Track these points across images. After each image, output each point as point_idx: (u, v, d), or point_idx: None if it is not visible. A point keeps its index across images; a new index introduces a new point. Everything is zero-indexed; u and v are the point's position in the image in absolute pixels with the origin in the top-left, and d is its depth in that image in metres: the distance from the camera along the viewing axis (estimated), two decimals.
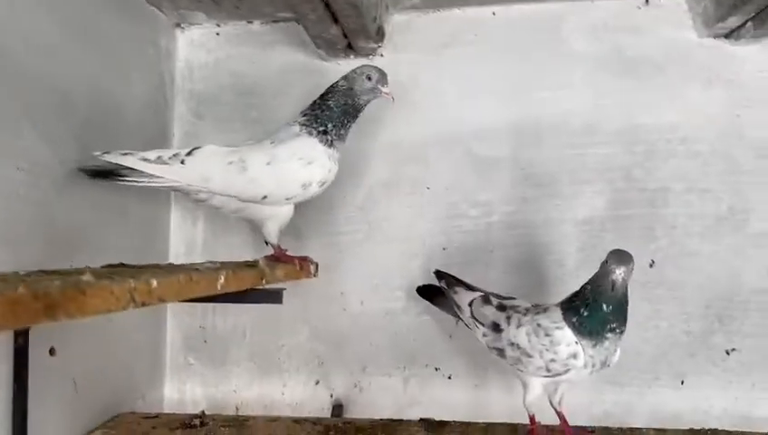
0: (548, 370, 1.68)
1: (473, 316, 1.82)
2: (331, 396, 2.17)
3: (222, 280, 1.30)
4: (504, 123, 2.12)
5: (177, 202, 2.24)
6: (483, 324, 1.80)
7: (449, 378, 2.13)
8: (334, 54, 2.15)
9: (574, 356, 1.65)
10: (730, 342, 2.02)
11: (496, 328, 1.77)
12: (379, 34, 2.11)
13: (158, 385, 2.20)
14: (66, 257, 1.70)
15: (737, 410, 2.01)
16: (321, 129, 1.80)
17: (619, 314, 1.67)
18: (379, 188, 2.17)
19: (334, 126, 1.81)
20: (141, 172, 1.70)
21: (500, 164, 2.12)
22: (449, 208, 2.15)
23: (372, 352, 2.16)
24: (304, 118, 1.82)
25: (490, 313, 1.80)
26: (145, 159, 1.71)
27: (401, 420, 1.92)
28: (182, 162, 1.73)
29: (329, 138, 1.80)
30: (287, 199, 1.79)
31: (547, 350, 1.67)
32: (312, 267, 1.87)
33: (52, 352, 1.67)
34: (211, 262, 1.63)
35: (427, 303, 2.04)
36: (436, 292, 1.96)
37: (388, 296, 2.16)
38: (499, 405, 2.08)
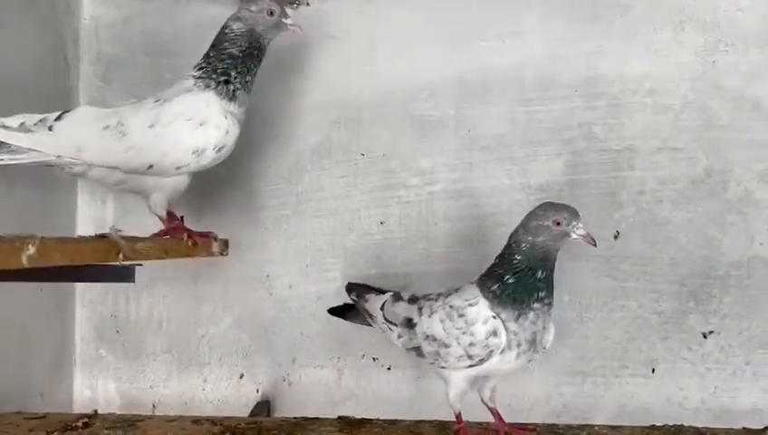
0: (469, 357, 1.43)
1: (385, 320, 1.59)
2: (257, 391, 1.94)
3: (31, 251, 1.04)
4: (447, 79, 1.87)
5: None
6: (395, 324, 1.56)
7: (389, 369, 1.88)
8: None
9: (494, 333, 1.41)
10: (707, 323, 1.76)
11: (409, 324, 1.55)
12: None
13: (64, 381, 1.96)
14: None
15: (716, 401, 1.75)
16: (222, 78, 1.56)
17: (550, 282, 1.45)
18: (307, 156, 1.92)
19: (239, 73, 1.57)
20: (4, 147, 1.44)
21: (443, 126, 1.87)
22: (387, 177, 1.89)
23: (303, 341, 1.91)
24: (199, 71, 1.57)
25: (401, 309, 1.58)
26: (4, 127, 1.45)
27: (316, 419, 1.69)
28: (50, 129, 1.47)
29: (231, 87, 1.55)
30: (177, 169, 1.52)
31: (464, 333, 1.43)
32: (216, 245, 1.62)
33: None
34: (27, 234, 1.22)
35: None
36: (352, 306, 1.72)
37: (320, 278, 1.91)
38: (444, 398, 1.86)
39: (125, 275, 1.38)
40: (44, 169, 1.55)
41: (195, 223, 1.78)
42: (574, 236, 1.44)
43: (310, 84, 1.92)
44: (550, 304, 1.45)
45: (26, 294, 1.79)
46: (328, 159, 1.92)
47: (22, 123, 1.46)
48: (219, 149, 1.54)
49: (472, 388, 1.53)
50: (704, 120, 1.78)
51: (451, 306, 1.47)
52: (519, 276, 1.44)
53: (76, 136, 1.48)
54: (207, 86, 1.56)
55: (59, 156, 1.48)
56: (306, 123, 1.92)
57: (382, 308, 1.63)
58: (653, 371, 1.78)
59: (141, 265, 1.44)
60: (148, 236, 1.54)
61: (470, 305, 1.45)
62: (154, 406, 1.96)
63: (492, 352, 1.42)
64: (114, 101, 1.97)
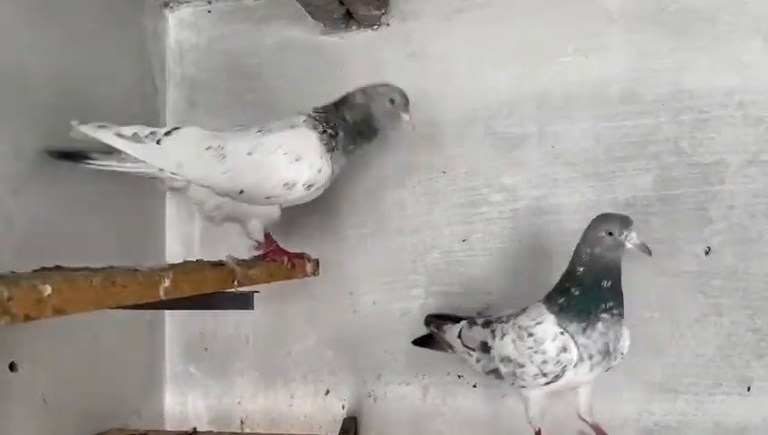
0: (544, 375, 1.46)
1: (464, 346, 1.61)
2: (343, 407, 1.96)
3: (167, 284, 1.09)
4: (528, 95, 1.86)
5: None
6: (473, 349, 1.59)
7: (474, 387, 1.87)
8: (334, 27, 1.92)
9: (564, 349, 1.43)
10: None
11: (485, 347, 1.57)
12: (382, 0, 1.88)
13: (156, 398, 2.01)
14: (36, 259, 1.48)
15: None
16: (328, 130, 1.60)
17: (617, 292, 1.46)
18: (389, 174, 1.92)
19: (345, 137, 1.62)
20: (112, 154, 1.53)
21: (525, 142, 1.86)
22: (469, 194, 1.89)
23: (387, 357, 1.92)
24: (315, 113, 1.63)
25: (477, 334, 1.63)
26: (120, 135, 1.53)
27: None
28: (158, 142, 1.54)
29: (334, 143, 1.59)
30: (267, 199, 1.57)
31: (535, 352, 1.46)
32: (310, 265, 1.66)
33: (12, 367, 1.49)
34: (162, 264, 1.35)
35: (448, 301, 1.82)
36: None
37: (403, 295, 1.91)
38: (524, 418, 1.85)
39: (245, 302, 1.42)
40: (142, 183, 1.62)
41: (281, 243, 1.83)
42: (629, 245, 1.46)
43: None
44: (620, 314, 1.45)
45: (118, 315, 1.85)
46: (409, 177, 1.92)
47: (134, 133, 1.53)
48: (309, 187, 1.58)
49: (549, 403, 1.54)
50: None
51: (520, 326, 1.50)
52: (584, 288, 1.48)
53: (180, 152, 1.55)
54: (314, 128, 1.60)
55: (161, 169, 1.54)
56: (387, 141, 1.91)
57: (459, 336, 1.66)
58: (748, 389, 1.73)
59: (258, 291, 1.49)
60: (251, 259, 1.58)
61: (537, 324, 1.48)
62: (242, 422, 1.99)
63: (565, 367, 1.43)
64: (200, 124, 2.02)
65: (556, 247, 1.84)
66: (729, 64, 1.76)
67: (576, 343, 1.45)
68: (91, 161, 1.54)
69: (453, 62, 1.92)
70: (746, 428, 1.72)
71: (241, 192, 1.55)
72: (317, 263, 1.67)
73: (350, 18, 1.89)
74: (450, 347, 1.70)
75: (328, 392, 1.96)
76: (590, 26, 1.83)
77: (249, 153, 1.55)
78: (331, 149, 1.58)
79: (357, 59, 1.96)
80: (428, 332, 1.78)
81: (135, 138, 1.52)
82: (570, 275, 1.51)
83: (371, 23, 1.91)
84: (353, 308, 1.95)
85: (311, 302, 1.96)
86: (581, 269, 1.48)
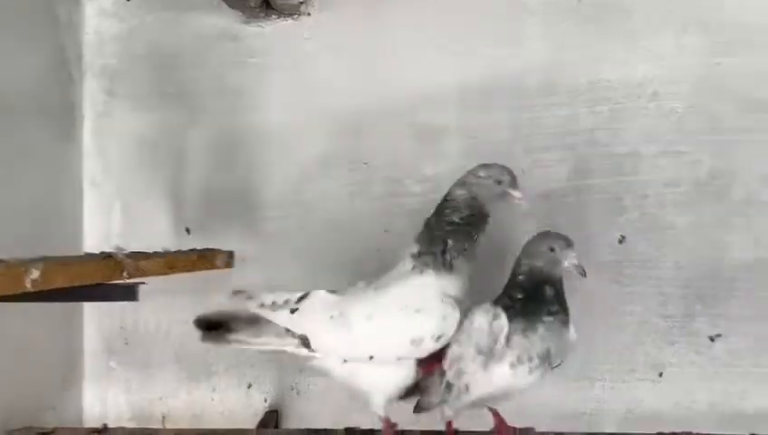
0: (479, 351, 1.44)
1: None
2: (266, 401, 1.94)
3: (34, 275, 1.05)
4: (448, 86, 1.86)
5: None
6: None
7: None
8: (253, 16, 1.90)
9: (496, 317, 1.42)
10: (714, 326, 1.74)
11: None
12: None
13: (74, 394, 1.97)
14: None
15: (726, 404, 1.74)
16: (439, 249, 1.50)
17: (561, 298, 1.46)
18: (311, 165, 1.91)
19: (456, 241, 1.50)
20: (253, 329, 1.51)
21: (446, 133, 1.87)
22: (391, 185, 1.89)
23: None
24: (417, 246, 1.53)
25: None
26: (263, 305, 1.53)
27: (323, 430, 1.68)
28: (291, 312, 1.53)
29: (448, 257, 1.49)
30: (398, 359, 1.50)
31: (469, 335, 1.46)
32: (221, 258, 1.67)
33: None
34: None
35: None
36: None
37: (327, 286, 1.81)
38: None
39: (129, 293, 1.37)
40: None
41: (200, 235, 1.81)
42: (566, 263, 1.47)
43: (312, 94, 1.91)
44: (563, 320, 1.45)
45: (33, 308, 1.80)
46: (332, 168, 1.91)
47: (273, 302, 1.53)
48: (438, 338, 1.48)
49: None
50: (707, 122, 1.77)
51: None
52: (527, 293, 1.48)
53: (309, 322, 1.51)
54: (426, 264, 1.51)
55: (298, 341, 1.51)
56: (310, 133, 1.91)
57: None
58: (660, 375, 1.77)
59: (145, 283, 1.44)
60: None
61: (476, 308, 1.49)
62: (164, 417, 1.97)
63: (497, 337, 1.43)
64: (119, 114, 2.00)
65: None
66: (643, 56, 1.79)
67: (513, 340, 1.43)
68: (233, 333, 1.52)
69: (374, 53, 1.91)
70: (659, 413, 1.75)
71: (371, 358, 1.49)
72: (231, 254, 1.66)
73: (268, 7, 1.87)
74: None
75: (250, 386, 1.95)
76: (509, 18, 1.85)
77: (369, 317, 1.50)
78: (450, 267, 1.48)
79: (278, 49, 1.95)
80: None
81: (275, 305, 1.52)
82: (511, 283, 1.51)
83: (291, 12, 1.89)
84: None
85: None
86: (521, 278, 1.49)
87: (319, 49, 1.92)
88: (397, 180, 1.89)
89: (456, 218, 1.52)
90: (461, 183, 1.54)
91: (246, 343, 1.55)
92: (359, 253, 1.88)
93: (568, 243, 1.47)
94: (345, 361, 1.53)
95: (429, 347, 1.49)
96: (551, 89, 1.82)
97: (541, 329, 1.43)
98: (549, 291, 1.45)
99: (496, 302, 1.48)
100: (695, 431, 1.61)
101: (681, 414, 1.74)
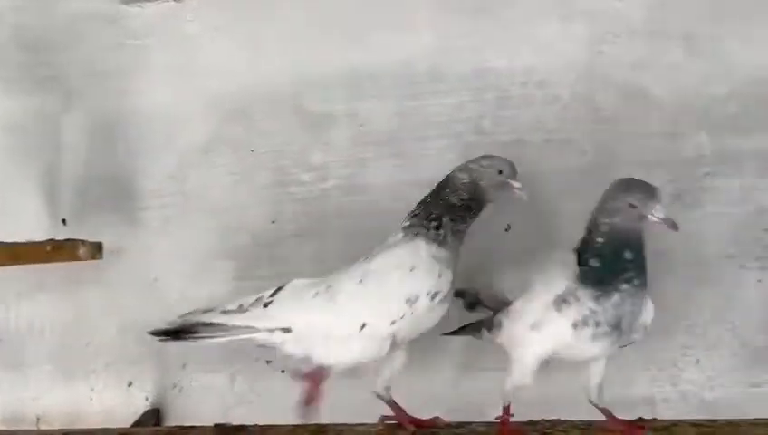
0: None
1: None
2: (147, 399, 1.87)
3: None
4: (337, 73, 1.83)
5: None
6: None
7: (282, 372, 1.80)
8: None
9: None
10: None
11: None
12: None
13: None
14: None
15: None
16: (433, 224, 1.47)
17: (639, 263, 1.37)
18: (193, 152, 1.86)
19: (452, 220, 1.48)
20: (219, 327, 1.46)
21: (334, 121, 1.83)
22: (277, 174, 1.85)
23: (194, 346, 1.75)
24: (412, 219, 1.50)
25: None
26: (225, 312, 1.47)
27: (192, 427, 1.61)
28: (265, 306, 1.46)
29: (442, 232, 1.46)
30: (392, 323, 1.42)
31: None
32: (84, 250, 1.59)
33: None
34: None
35: (257, 284, 1.65)
36: None
37: (210, 280, 1.84)
38: (343, 401, 1.81)
39: None
40: None
41: (77, 227, 1.72)
42: (653, 219, 1.38)
43: (195, 79, 1.85)
44: (641, 285, 1.37)
45: None
46: (216, 155, 1.85)
47: (240, 306, 1.47)
48: (434, 296, 1.43)
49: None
50: (591, 111, 1.77)
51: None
52: (603, 260, 1.39)
53: (288, 309, 1.45)
54: (416, 234, 1.48)
55: (271, 330, 1.44)
56: (192, 119, 1.86)
57: None
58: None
59: None
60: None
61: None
62: (38, 419, 1.88)
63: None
64: None
65: (367, 227, 1.79)
66: (528, 44, 1.79)
67: (584, 306, 1.35)
68: (197, 336, 1.48)
69: (261, 38, 1.87)
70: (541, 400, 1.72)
71: (363, 326, 1.42)
72: (98, 246, 1.58)
73: None
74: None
75: (131, 384, 1.88)
76: (396, 4, 1.82)
77: (360, 281, 1.44)
78: (442, 241, 1.45)
79: (160, 31, 1.89)
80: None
81: (240, 309, 1.46)
82: (586, 246, 1.42)
83: None
84: (158, 295, 1.86)
85: (111, 289, 1.87)
86: (600, 241, 1.40)
87: (202, 32, 1.87)
88: (283, 168, 1.85)
89: (454, 200, 1.50)
90: (463, 168, 1.52)
91: (213, 338, 1.49)
92: (244, 244, 1.84)
93: (651, 193, 1.38)
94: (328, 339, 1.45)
95: (424, 306, 1.43)
96: (438, 76, 1.81)
97: (616, 297, 1.35)
98: (628, 255, 1.36)
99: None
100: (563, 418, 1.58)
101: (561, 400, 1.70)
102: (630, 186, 1.40)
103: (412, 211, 1.51)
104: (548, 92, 1.79)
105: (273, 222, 1.84)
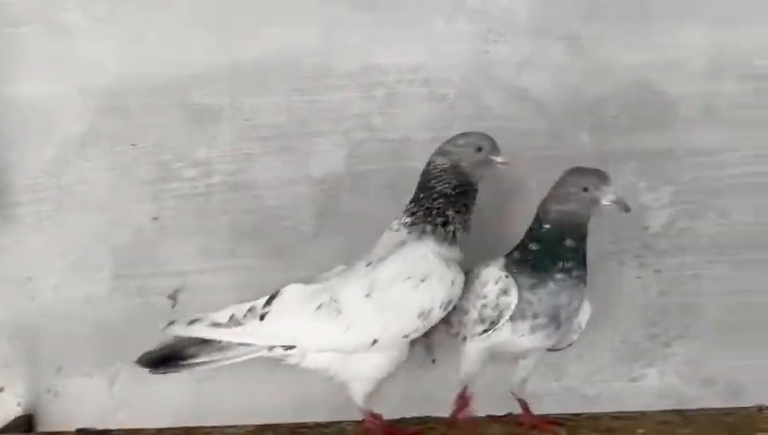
0: (482, 321, 1.40)
1: None
2: (19, 405, 1.76)
3: None
4: (222, 66, 1.77)
5: None
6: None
7: (165, 374, 1.79)
8: None
9: (505, 292, 1.37)
10: None
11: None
12: None
13: None
14: None
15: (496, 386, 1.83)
16: (439, 220, 1.41)
17: (580, 253, 1.39)
18: (70, 146, 1.77)
19: (457, 212, 1.43)
20: (212, 346, 1.38)
21: (219, 115, 1.78)
22: (160, 169, 1.78)
23: (70, 348, 1.77)
24: (411, 216, 1.44)
25: None
26: (215, 324, 1.38)
27: (53, 432, 1.59)
28: (261, 318, 1.38)
29: (451, 228, 1.41)
30: (404, 338, 1.38)
31: (477, 296, 1.41)
32: None
33: None
34: None
35: (139, 283, 1.73)
36: None
37: (88, 278, 1.77)
38: (229, 402, 1.75)
39: None
40: None
41: None
42: (604, 202, 1.39)
43: (74, 69, 1.77)
44: (579, 278, 1.38)
45: None
46: (94, 149, 1.77)
47: (231, 316, 1.39)
48: (447, 306, 1.39)
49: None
50: (476, 109, 1.78)
51: (472, 272, 1.44)
52: (542, 244, 1.40)
53: (289, 323, 1.38)
54: (423, 232, 1.42)
55: (272, 347, 1.39)
56: (70, 111, 1.77)
57: None
58: (433, 361, 1.74)
59: None
60: None
61: (485, 268, 1.43)
62: None
63: (502, 313, 1.37)
64: None
65: (253, 224, 1.79)
66: (415, 41, 1.78)
67: (521, 297, 1.37)
68: (190, 360, 1.39)
69: (144, 29, 1.78)
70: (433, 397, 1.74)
71: (374, 342, 1.36)
72: None
73: None
74: None
75: (2, 390, 1.77)
76: None
77: (367, 295, 1.37)
78: (452, 240, 1.41)
79: (38, 20, 1.76)
80: None
81: (233, 321, 1.38)
82: (531, 232, 1.44)
83: None
84: (32, 295, 1.77)
85: None
86: (546, 226, 1.41)
87: (82, 21, 1.77)
88: (166, 164, 1.78)
89: (447, 189, 1.44)
90: (441, 152, 1.48)
91: (212, 362, 1.40)
92: (123, 242, 1.76)
93: (603, 177, 1.39)
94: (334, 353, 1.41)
95: (437, 317, 1.39)
96: (326, 72, 1.78)
97: (552, 286, 1.36)
98: (569, 243, 1.37)
99: (510, 254, 1.43)
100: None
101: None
102: (583, 171, 1.43)
103: (407, 209, 1.46)
104: (435, 90, 1.79)
105: (154, 219, 1.77)
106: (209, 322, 1.39)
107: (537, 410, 1.64)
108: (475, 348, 1.46)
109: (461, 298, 1.42)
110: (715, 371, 1.81)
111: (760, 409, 1.60)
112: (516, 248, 1.46)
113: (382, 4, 1.78)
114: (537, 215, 1.47)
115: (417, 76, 1.78)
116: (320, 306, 1.38)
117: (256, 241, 1.78)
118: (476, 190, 1.48)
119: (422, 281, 1.37)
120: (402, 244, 1.43)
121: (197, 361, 1.39)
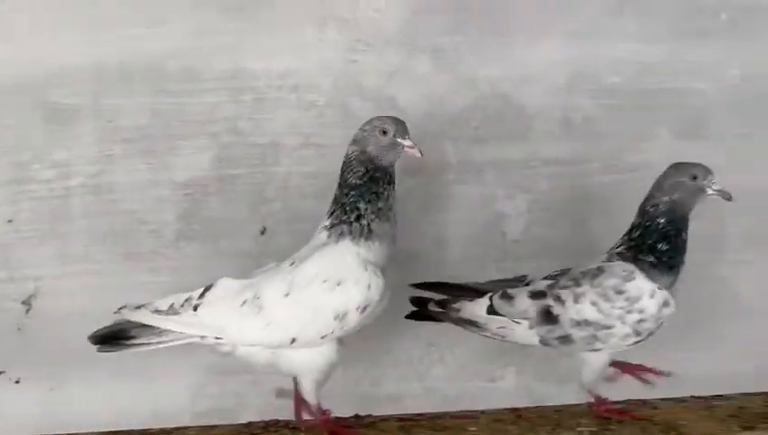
0: (638, 334, 1.47)
1: (503, 318, 1.55)
2: None
3: None
4: (85, 65, 1.72)
5: None
6: (522, 320, 1.54)
7: (17, 382, 1.69)
8: None
9: (666, 304, 1.46)
10: None
11: (548, 316, 1.52)
12: None
13: None
14: None
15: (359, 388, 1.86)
16: (353, 216, 1.42)
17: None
18: None
19: (368, 202, 1.42)
20: (153, 330, 1.44)
21: (80, 115, 1.72)
22: (16, 170, 1.70)
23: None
24: (331, 217, 1.45)
25: (526, 305, 1.54)
26: (157, 311, 1.44)
27: None
28: (195, 309, 1.43)
29: (365, 222, 1.41)
30: (322, 338, 1.41)
31: (628, 311, 1.46)
32: None
33: None
34: None
35: None
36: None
37: None
38: (82, 410, 1.69)
39: None
40: None
41: None
42: (710, 191, 1.48)
43: None
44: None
45: None
46: None
47: (171, 305, 1.44)
48: (363, 309, 1.40)
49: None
50: (346, 117, 1.80)
51: (604, 287, 1.48)
52: (670, 242, 1.47)
53: (218, 316, 1.42)
54: (341, 234, 1.42)
55: (203, 336, 1.44)
56: None
57: (492, 311, 1.57)
58: None
59: None
60: None
61: (628, 282, 1.48)
62: None
63: (662, 323, 1.46)
64: None
65: (114, 228, 1.73)
66: (285, 48, 1.79)
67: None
68: (132, 343, 1.44)
69: (2, 26, 1.69)
70: None
71: (293, 341, 1.40)
72: None
73: None
74: (470, 323, 1.59)
75: None
76: None
77: (286, 294, 1.40)
78: (368, 235, 1.40)
79: None
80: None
81: (172, 310, 1.43)
82: (650, 230, 1.49)
83: None
84: None
85: None
86: (662, 220, 1.48)
87: None
88: (23, 165, 1.70)
89: (355, 179, 1.43)
90: (353, 139, 1.47)
91: (150, 344, 1.45)
92: None
93: (708, 169, 1.47)
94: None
95: (354, 320, 1.41)
96: (193, 75, 1.75)
97: (675, 281, 1.48)
98: (684, 235, 1.46)
99: (637, 253, 1.47)
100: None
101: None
102: (687, 164, 1.51)
103: (329, 209, 1.46)
104: (303, 97, 1.80)
105: (9, 221, 1.69)
106: (152, 308, 1.44)
107: (398, 410, 1.70)
108: (601, 358, 1.55)
109: (598, 314, 1.49)
110: (569, 371, 1.90)
111: (590, 404, 1.67)
112: (643, 251, 1.50)
113: (251, 9, 1.78)
114: (645, 211, 1.53)
115: (287, 82, 1.79)
116: (244, 302, 1.43)
117: (115, 245, 1.74)
118: (389, 176, 1.45)
119: (338, 284, 1.40)
120: (324, 245, 1.45)
121: (137, 342, 1.44)
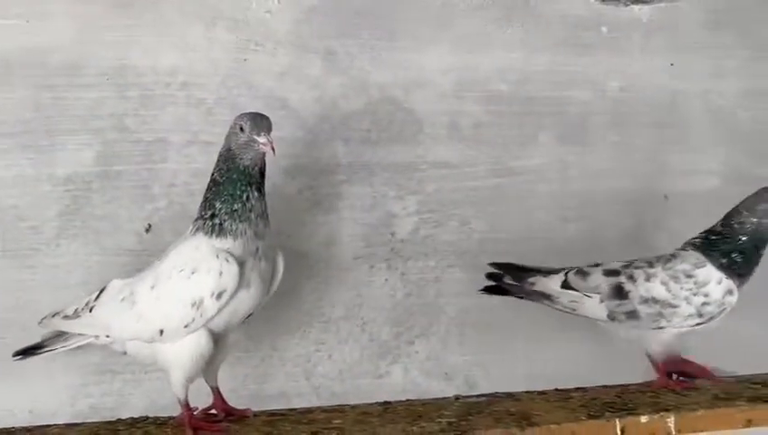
0: (700, 315, 1.61)
1: (576, 293, 1.69)
2: None
3: None
4: None
5: None
6: (593, 295, 1.68)
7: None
8: None
9: (730, 292, 1.61)
10: None
11: (619, 292, 1.66)
12: None
13: None
14: None
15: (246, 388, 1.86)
16: (209, 213, 1.43)
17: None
18: None
19: (223, 202, 1.42)
20: (61, 335, 1.53)
21: None
22: None
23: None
24: (199, 213, 1.47)
25: (600, 281, 1.69)
26: (66, 316, 1.52)
27: None
28: (91, 310, 1.50)
29: (218, 221, 1.42)
30: (186, 328, 1.41)
31: (695, 294, 1.61)
32: None
33: None
34: None
35: None
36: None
37: None
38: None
39: None
40: None
41: None
42: None
43: None
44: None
45: None
46: None
47: (75, 310, 1.51)
48: (219, 296, 1.40)
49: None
50: (235, 115, 1.66)
51: (675, 270, 1.63)
52: (745, 256, 1.63)
53: (105, 314, 1.48)
54: (198, 229, 1.45)
55: (96, 336, 1.50)
56: None
57: (565, 286, 1.71)
58: None
59: None
60: None
61: (698, 268, 1.63)
62: None
63: (725, 309, 1.61)
64: None
65: None
66: (174, 45, 1.79)
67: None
68: (46, 348, 1.53)
69: None
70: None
71: (161, 332, 1.42)
72: None
73: None
74: (544, 296, 1.73)
75: None
76: None
77: (152, 287, 1.44)
78: (219, 232, 1.41)
79: None
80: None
81: (75, 314, 1.50)
82: (729, 242, 1.63)
83: None
84: None
85: None
86: (744, 239, 1.63)
87: None
88: None
89: (218, 176, 1.44)
90: (225, 137, 1.46)
91: (56, 348, 1.53)
92: None
93: None
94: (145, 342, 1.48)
95: (211, 307, 1.41)
96: (77, 70, 1.72)
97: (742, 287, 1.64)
98: (761, 252, 1.62)
99: (714, 252, 1.62)
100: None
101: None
102: None
103: (200, 206, 1.47)
104: (192, 95, 1.80)
105: None
106: (62, 314, 1.52)
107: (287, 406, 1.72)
108: (670, 335, 1.66)
109: (667, 293, 1.63)
110: (454, 366, 1.97)
111: (457, 397, 1.73)
112: (720, 253, 1.64)
113: (139, 5, 1.76)
114: (729, 224, 1.66)
115: (175, 80, 1.78)
116: (123, 299, 1.47)
117: None
118: (250, 177, 1.43)
119: (192, 273, 1.42)
120: (184, 240, 1.48)
121: (47, 349, 1.53)
